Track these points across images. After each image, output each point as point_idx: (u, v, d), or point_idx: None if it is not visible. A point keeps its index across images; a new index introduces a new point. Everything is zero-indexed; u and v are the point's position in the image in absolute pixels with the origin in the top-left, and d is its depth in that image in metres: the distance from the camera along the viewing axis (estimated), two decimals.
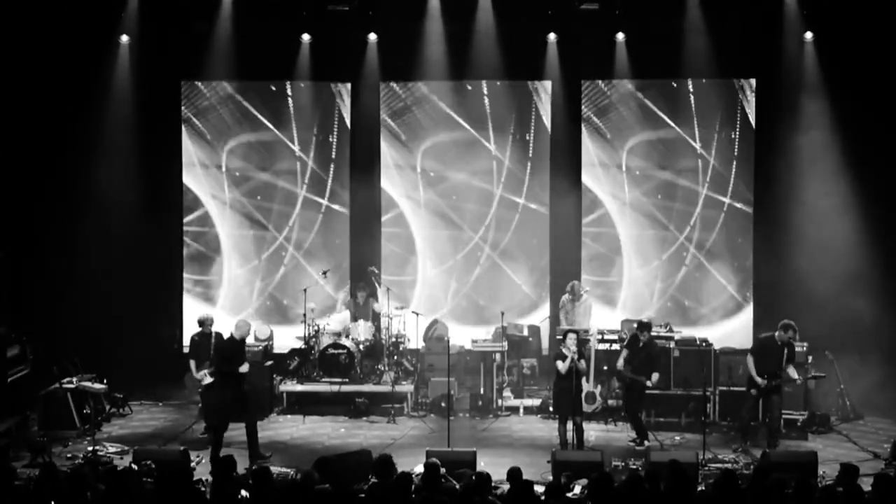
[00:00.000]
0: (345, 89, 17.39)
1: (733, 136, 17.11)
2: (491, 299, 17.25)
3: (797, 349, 14.45)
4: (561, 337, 13.66)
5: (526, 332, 16.66)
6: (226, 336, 13.31)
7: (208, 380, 13.77)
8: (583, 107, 17.18)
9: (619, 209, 17.30)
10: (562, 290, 16.31)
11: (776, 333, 13.45)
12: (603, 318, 16.44)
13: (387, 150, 17.41)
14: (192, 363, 14.06)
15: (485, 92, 17.33)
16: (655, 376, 13.75)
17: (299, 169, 17.50)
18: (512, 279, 17.39)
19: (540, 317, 17.11)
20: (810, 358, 14.55)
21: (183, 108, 17.35)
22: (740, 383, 13.97)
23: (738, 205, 17.12)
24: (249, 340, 16.02)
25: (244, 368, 12.96)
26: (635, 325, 14.29)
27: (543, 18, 16.59)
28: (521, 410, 15.35)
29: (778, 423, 13.53)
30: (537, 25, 16.66)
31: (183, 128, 17.35)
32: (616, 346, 14.75)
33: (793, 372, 13.37)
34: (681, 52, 16.56)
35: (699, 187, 17.19)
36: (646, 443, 13.54)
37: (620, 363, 13.94)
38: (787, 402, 14.27)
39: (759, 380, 13.29)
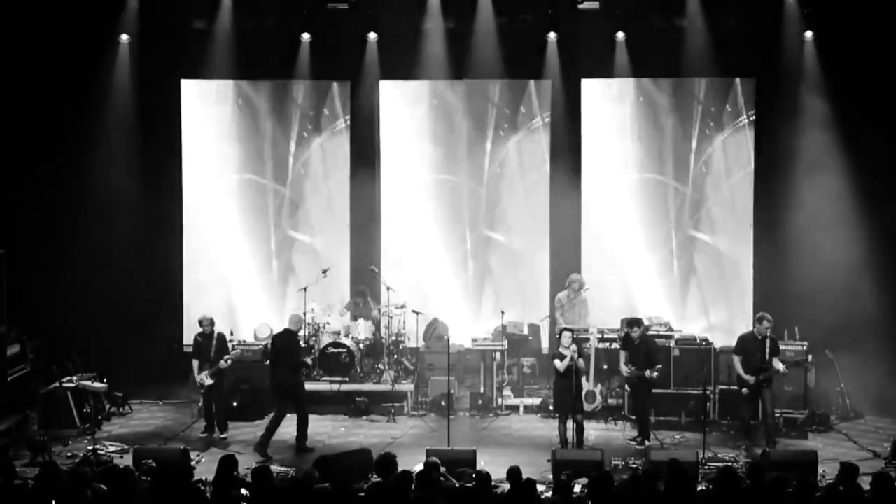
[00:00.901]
0: (344, 88, 17.38)
1: (732, 135, 17.09)
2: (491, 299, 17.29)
3: (798, 348, 14.52)
4: (558, 336, 13.67)
5: (526, 331, 16.65)
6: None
7: (209, 381, 13.78)
8: (583, 106, 17.19)
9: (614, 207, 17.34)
10: (559, 290, 16.28)
11: (754, 329, 13.53)
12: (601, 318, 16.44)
13: (386, 149, 17.40)
14: (195, 363, 14.01)
15: (484, 91, 17.32)
16: (657, 368, 13.73)
17: (298, 168, 17.49)
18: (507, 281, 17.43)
19: (539, 317, 17.11)
20: (810, 357, 14.58)
21: (182, 108, 17.36)
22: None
23: (737, 204, 17.12)
24: (249, 339, 16.11)
25: (309, 361, 13.96)
26: (626, 324, 14.22)
27: (543, 17, 16.60)
28: (521, 409, 15.34)
29: (773, 420, 13.56)
30: (537, 24, 16.66)
31: (182, 128, 17.36)
32: (616, 346, 14.71)
33: (777, 364, 13.40)
34: (681, 52, 16.56)
35: (698, 187, 17.18)
36: (646, 442, 13.53)
37: (624, 369, 13.90)
38: (787, 402, 14.33)
39: (747, 378, 13.35)
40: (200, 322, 14.15)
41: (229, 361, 13.87)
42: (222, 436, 13.90)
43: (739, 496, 9.08)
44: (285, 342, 13.61)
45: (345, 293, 17.18)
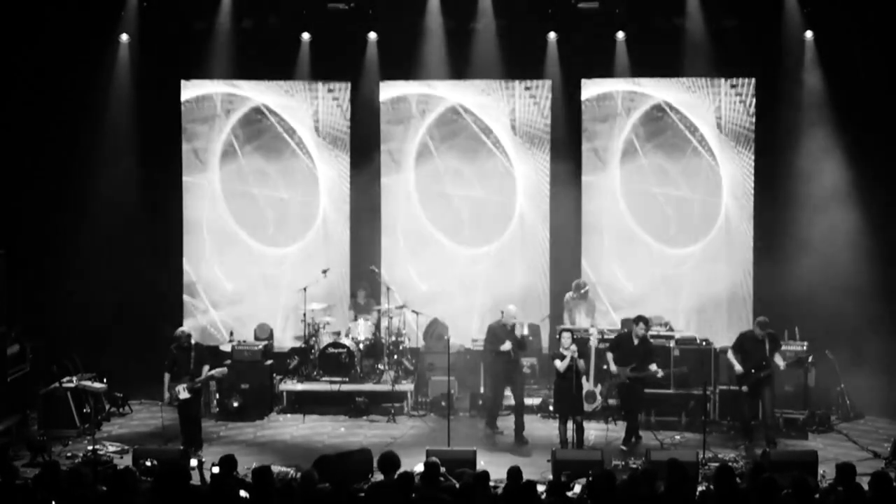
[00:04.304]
0: (344, 88, 17.38)
1: (732, 134, 17.09)
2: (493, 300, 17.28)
3: (798, 348, 14.53)
4: (558, 336, 13.66)
5: (526, 331, 16.62)
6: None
7: (185, 395, 13.16)
8: (583, 106, 17.19)
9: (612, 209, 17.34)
10: (559, 289, 16.26)
11: (755, 329, 13.62)
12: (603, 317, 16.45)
13: (386, 149, 17.40)
14: (167, 377, 13.32)
15: (484, 91, 17.32)
16: (653, 366, 13.68)
17: (298, 168, 17.48)
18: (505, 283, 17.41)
19: (539, 317, 17.10)
20: (810, 357, 14.57)
21: (182, 108, 17.35)
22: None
23: (738, 203, 17.12)
24: (249, 339, 16.10)
25: (506, 346, 14.13)
26: (633, 321, 14.13)
27: (543, 17, 16.61)
28: None
29: (774, 420, 13.57)
30: (537, 24, 16.66)
31: (182, 128, 17.36)
32: None
33: (778, 359, 13.42)
34: (680, 52, 16.56)
35: (699, 186, 17.18)
36: (632, 440, 13.51)
37: (614, 368, 13.83)
38: (787, 401, 14.33)
39: (738, 368, 13.41)
40: (178, 338, 13.41)
41: (213, 377, 13.49)
42: (198, 452, 12.97)
43: (738, 496, 9.07)
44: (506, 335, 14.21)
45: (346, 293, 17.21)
